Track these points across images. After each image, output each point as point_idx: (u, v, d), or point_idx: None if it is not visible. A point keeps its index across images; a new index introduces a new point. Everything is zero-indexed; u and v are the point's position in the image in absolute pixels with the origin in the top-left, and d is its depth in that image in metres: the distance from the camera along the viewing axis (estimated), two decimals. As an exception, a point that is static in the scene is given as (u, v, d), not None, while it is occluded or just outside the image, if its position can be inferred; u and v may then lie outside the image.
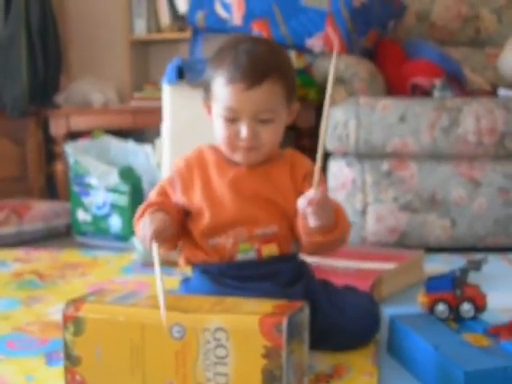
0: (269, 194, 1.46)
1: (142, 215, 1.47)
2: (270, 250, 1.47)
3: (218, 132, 1.48)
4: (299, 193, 1.40)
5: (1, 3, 3.64)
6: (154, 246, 1.37)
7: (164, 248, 1.51)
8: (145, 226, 1.41)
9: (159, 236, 1.39)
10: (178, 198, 1.50)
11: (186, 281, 1.55)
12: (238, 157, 1.48)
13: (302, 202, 1.31)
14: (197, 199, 1.48)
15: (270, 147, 1.49)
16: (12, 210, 3.10)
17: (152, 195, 1.54)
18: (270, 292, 1.40)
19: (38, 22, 3.63)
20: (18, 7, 3.59)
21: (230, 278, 1.46)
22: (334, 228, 1.39)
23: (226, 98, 1.44)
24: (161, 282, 1.29)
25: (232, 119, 1.45)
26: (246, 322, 1.19)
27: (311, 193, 1.30)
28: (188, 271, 1.58)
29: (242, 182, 1.48)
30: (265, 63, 1.44)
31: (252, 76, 1.42)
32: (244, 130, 1.44)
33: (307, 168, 1.49)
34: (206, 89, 1.50)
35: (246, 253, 1.47)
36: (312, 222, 1.34)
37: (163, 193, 1.53)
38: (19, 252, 2.79)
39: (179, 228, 1.49)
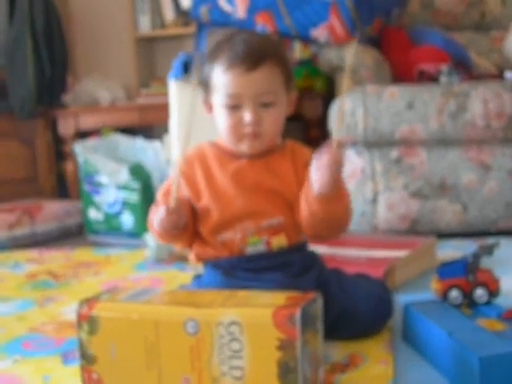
0: (272, 185, 1.47)
1: (151, 219, 1.48)
2: (280, 241, 1.47)
3: (221, 124, 1.48)
4: (301, 181, 1.41)
5: (5, 5, 3.66)
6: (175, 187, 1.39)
7: (180, 245, 1.52)
8: (159, 214, 1.42)
9: (174, 216, 1.40)
10: (183, 195, 1.50)
11: (197, 277, 1.56)
12: (243, 146, 1.48)
13: (314, 166, 1.33)
14: (202, 197, 1.49)
15: (274, 134, 1.49)
16: (24, 212, 3.11)
17: (159, 197, 1.54)
18: (281, 282, 1.41)
19: (43, 23, 3.64)
20: (22, 9, 3.60)
21: (241, 271, 1.47)
22: (335, 199, 1.39)
23: (226, 84, 1.45)
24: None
25: (234, 106, 1.45)
26: (259, 315, 1.19)
27: (332, 148, 1.31)
28: (199, 268, 1.58)
29: (245, 174, 1.48)
30: (262, 48, 1.46)
31: (250, 59, 1.43)
32: (248, 115, 1.44)
33: (308, 156, 1.49)
34: (205, 84, 1.51)
35: (255, 246, 1.47)
36: (315, 185, 1.35)
37: (169, 193, 1.53)
38: (32, 253, 2.80)
39: (191, 222, 1.49)
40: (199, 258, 1.54)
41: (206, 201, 1.48)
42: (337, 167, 1.32)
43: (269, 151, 1.50)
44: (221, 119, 1.47)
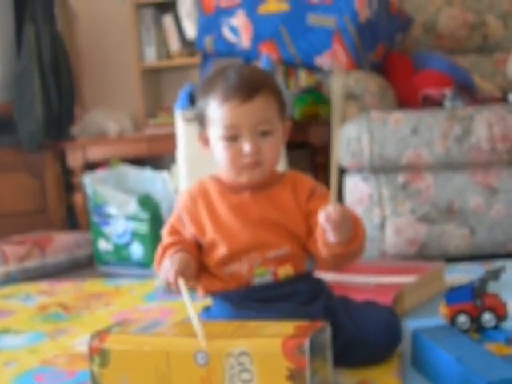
0: (275, 217, 1.48)
1: (161, 259, 1.49)
2: (286, 270, 1.48)
3: (219, 157, 1.50)
4: (305, 213, 1.46)
5: (12, 39, 3.69)
6: (181, 285, 1.39)
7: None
8: (166, 269, 1.44)
9: (182, 275, 1.41)
10: (188, 232, 1.52)
11: (206, 309, 1.57)
12: (243, 177, 1.49)
13: (321, 218, 1.33)
14: (207, 231, 1.50)
15: (273, 162, 1.51)
16: (34, 244, 3.12)
17: (165, 236, 1.55)
18: (290, 312, 1.42)
19: (50, 56, 3.67)
20: (29, 42, 3.63)
21: (249, 301, 1.48)
22: (354, 239, 1.41)
23: (223, 116, 1.47)
24: (195, 316, 1.30)
25: (232, 137, 1.46)
26: (268, 345, 1.20)
27: (330, 209, 1.32)
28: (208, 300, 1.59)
29: (248, 208, 1.50)
30: (255, 79, 1.49)
31: (245, 90, 1.46)
32: (247, 145, 1.45)
33: (310, 186, 1.52)
34: (200, 119, 1.53)
35: (262, 276, 1.48)
36: (331, 237, 1.36)
37: (175, 231, 1.55)
38: (43, 285, 2.81)
39: (197, 258, 1.51)
40: (207, 291, 1.55)
41: (211, 235, 1.49)
42: (345, 221, 1.34)
43: (270, 182, 1.52)
44: (219, 152, 1.49)
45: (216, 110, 1.48)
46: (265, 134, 1.47)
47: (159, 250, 1.52)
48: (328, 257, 1.43)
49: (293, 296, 1.48)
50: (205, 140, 1.54)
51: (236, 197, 1.51)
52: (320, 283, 1.57)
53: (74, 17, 4.15)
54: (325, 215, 1.33)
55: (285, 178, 1.56)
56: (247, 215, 1.48)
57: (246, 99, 1.45)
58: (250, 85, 1.47)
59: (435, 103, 2.85)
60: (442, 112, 2.61)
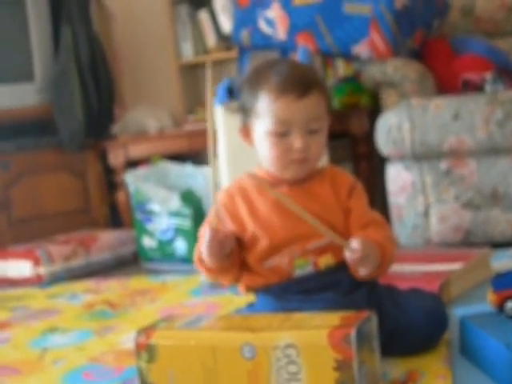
0: (314, 210, 1.47)
1: (199, 254, 1.50)
2: (327, 260, 1.48)
3: (265, 150, 1.49)
4: (344, 209, 1.49)
5: (50, 41, 3.72)
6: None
7: (228, 279, 1.54)
8: (204, 237, 1.45)
9: (222, 234, 1.44)
10: (228, 229, 1.51)
11: (250, 305, 1.56)
12: (289, 171, 1.49)
13: (347, 255, 1.39)
14: (248, 227, 1.50)
15: (318, 160, 1.51)
16: (79, 243, 3.15)
17: (203, 235, 1.55)
18: (333, 301, 1.42)
19: (88, 56, 3.69)
20: (67, 44, 3.66)
21: (291, 293, 1.47)
22: (381, 264, 1.45)
23: (276, 111, 1.46)
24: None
25: (283, 133, 1.46)
26: (315, 337, 1.19)
27: (354, 245, 1.38)
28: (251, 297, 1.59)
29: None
30: (309, 76, 1.49)
31: (302, 86, 1.45)
32: (298, 142, 1.45)
33: (349, 183, 1.53)
34: (245, 111, 1.52)
35: (303, 268, 1.48)
36: (358, 272, 1.43)
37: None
38: (89, 283, 2.84)
39: (238, 255, 1.51)
40: (249, 288, 1.55)
41: (251, 230, 1.49)
42: (369, 255, 1.39)
43: (308, 177, 1.52)
44: (266, 146, 1.48)
45: (268, 104, 1.47)
46: (314, 131, 1.47)
47: (197, 246, 1.52)
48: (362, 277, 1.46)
49: (334, 285, 1.47)
50: (246, 132, 1.54)
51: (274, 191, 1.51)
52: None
53: (109, 16, 4.17)
54: (349, 253, 1.38)
55: (324, 172, 1.55)
56: (285, 209, 1.47)
57: (302, 95, 1.45)
58: (307, 81, 1.47)
59: (476, 88, 2.82)
60: (482, 96, 2.58)
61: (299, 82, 1.46)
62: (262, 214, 1.50)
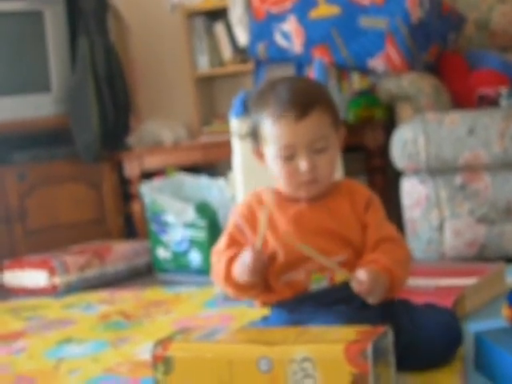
0: (332, 227, 1.48)
1: (227, 271, 1.50)
2: (342, 275, 1.48)
3: (276, 173, 1.51)
4: (362, 223, 1.49)
5: (67, 53, 3.75)
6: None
7: (252, 294, 1.54)
8: (243, 258, 1.45)
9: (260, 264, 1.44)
10: (250, 242, 1.52)
11: (264, 318, 1.57)
12: (301, 193, 1.51)
13: (355, 286, 1.40)
14: (268, 241, 1.50)
15: (329, 178, 1.52)
16: (93, 253, 3.16)
17: (223, 248, 1.55)
18: (345, 315, 1.43)
19: (104, 67, 3.71)
20: (84, 55, 3.68)
21: (305, 307, 1.48)
22: (390, 290, 1.45)
23: (279, 135, 1.47)
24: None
25: (289, 156, 1.47)
26: (331, 351, 1.20)
27: (360, 276, 1.39)
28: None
29: (305, 218, 1.50)
30: (308, 94, 1.49)
31: (300, 106, 1.46)
32: (303, 164, 1.46)
33: (367, 197, 1.54)
34: (254, 134, 1.53)
35: (318, 282, 1.49)
36: (368, 300, 1.42)
37: (234, 242, 1.55)
38: (104, 294, 2.85)
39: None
40: (264, 304, 1.56)
41: (272, 244, 1.50)
42: (377, 285, 1.41)
43: (326, 192, 1.52)
44: (276, 169, 1.50)
45: (271, 128, 1.48)
46: (320, 150, 1.48)
47: (223, 262, 1.52)
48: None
49: (348, 300, 1.47)
50: (259, 154, 1.55)
51: (293, 207, 1.52)
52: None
53: (126, 28, 4.19)
54: (356, 285, 1.39)
55: (341, 186, 1.56)
56: (305, 225, 1.49)
57: (301, 116, 1.45)
58: (304, 100, 1.47)
59: (491, 102, 2.82)
60: (498, 111, 2.58)
61: (297, 103, 1.46)
62: (281, 228, 1.50)
